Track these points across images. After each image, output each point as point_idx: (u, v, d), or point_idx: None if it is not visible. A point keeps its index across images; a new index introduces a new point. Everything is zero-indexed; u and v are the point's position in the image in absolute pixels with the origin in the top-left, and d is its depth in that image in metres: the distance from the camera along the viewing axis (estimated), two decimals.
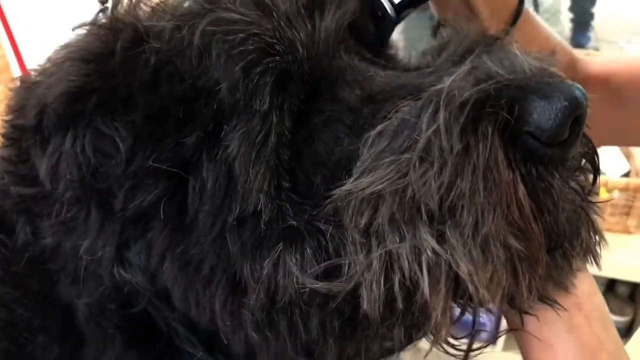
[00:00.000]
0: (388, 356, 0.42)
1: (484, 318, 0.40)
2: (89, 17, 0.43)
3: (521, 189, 0.34)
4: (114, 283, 0.39)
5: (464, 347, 0.41)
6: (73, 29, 0.43)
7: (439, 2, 0.57)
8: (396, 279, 0.34)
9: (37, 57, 0.45)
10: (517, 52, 0.38)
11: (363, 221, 0.34)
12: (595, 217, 0.40)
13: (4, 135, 0.43)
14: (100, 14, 0.43)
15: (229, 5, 0.38)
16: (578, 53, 0.69)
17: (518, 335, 0.43)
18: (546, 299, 0.40)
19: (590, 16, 3.19)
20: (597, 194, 0.42)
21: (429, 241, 0.33)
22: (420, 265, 0.33)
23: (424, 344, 0.40)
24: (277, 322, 0.36)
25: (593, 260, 0.41)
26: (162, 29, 0.38)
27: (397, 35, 0.54)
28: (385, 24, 0.49)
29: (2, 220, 0.42)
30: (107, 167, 0.37)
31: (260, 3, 0.39)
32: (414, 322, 0.36)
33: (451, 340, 0.38)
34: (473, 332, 0.41)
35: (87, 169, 0.37)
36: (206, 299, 0.37)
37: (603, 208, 0.42)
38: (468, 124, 0.33)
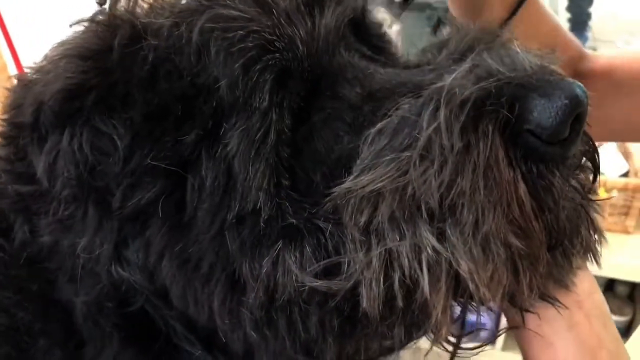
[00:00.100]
0: (388, 354, 0.42)
1: (484, 317, 0.40)
2: (86, 15, 0.43)
3: (522, 187, 0.34)
4: (112, 281, 0.39)
5: (464, 345, 0.41)
6: (70, 26, 0.42)
7: None
8: (396, 277, 0.34)
9: (34, 57, 0.44)
10: (518, 49, 0.37)
11: (363, 219, 0.34)
12: (595, 215, 0.40)
13: (1, 134, 0.43)
14: (98, 12, 0.42)
15: (227, 2, 0.38)
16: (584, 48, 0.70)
17: (518, 333, 0.43)
18: (547, 297, 0.40)
19: (588, 16, 3.18)
20: (597, 192, 0.42)
21: (429, 239, 0.33)
22: (420, 264, 0.33)
23: (424, 343, 0.39)
24: (276, 320, 0.36)
25: (593, 259, 0.41)
26: (160, 26, 0.38)
27: (396, 33, 0.53)
28: None
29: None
30: (105, 165, 0.37)
31: (259, 0, 0.38)
32: (414, 320, 0.36)
33: (451, 339, 0.38)
34: (472, 330, 0.41)
35: (84, 166, 0.37)
36: (205, 297, 0.37)
37: (602, 210, 0.42)
38: (469, 122, 0.33)
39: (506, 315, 0.44)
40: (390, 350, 0.41)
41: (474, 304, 0.38)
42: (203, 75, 0.36)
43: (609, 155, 1.74)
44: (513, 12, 0.58)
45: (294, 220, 0.36)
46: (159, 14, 0.40)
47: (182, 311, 0.39)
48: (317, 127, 0.40)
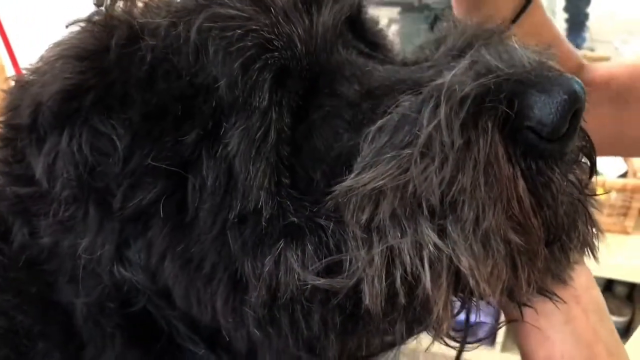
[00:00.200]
0: (389, 350, 0.42)
1: (484, 315, 0.40)
2: (82, 16, 0.42)
3: (521, 184, 0.34)
4: (114, 282, 0.39)
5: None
6: (66, 26, 0.42)
7: None
8: (398, 274, 0.34)
9: (31, 58, 0.44)
10: (516, 45, 0.38)
11: (364, 217, 0.34)
12: (592, 210, 0.41)
13: None
14: (94, 12, 0.42)
15: (225, 1, 0.38)
16: (583, 59, 0.70)
17: (516, 327, 0.44)
18: (544, 292, 0.41)
19: (585, 16, 3.18)
20: (594, 188, 0.43)
21: (431, 236, 0.33)
22: (421, 260, 0.34)
23: (422, 344, 0.40)
24: (279, 318, 0.36)
25: (590, 253, 0.41)
26: (158, 25, 0.38)
27: (394, 33, 0.53)
28: None
29: None
30: (105, 166, 0.37)
31: None
32: (415, 316, 0.36)
33: (454, 337, 0.39)
34: (472, 325, 0.41)
35: (84, 167, 0.37)
36: (207, 296, 0.37)
37: (600, 209, 0.42)
38: (468, 119, 0.33)
39: (504, 310, 0.45)
40: (392, 345, 0.41)
41: (473, 299, 0.38)
42: (202, 75, 0.36)
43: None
44: (518, 15, 0.58)
45: (295, 219, 0.36)
46: (155, 14, 0.40)
47: (184, 311, 0.39)
48: (316, 125, 0.40)
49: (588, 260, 0.43)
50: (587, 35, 3.20)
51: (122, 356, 0.41)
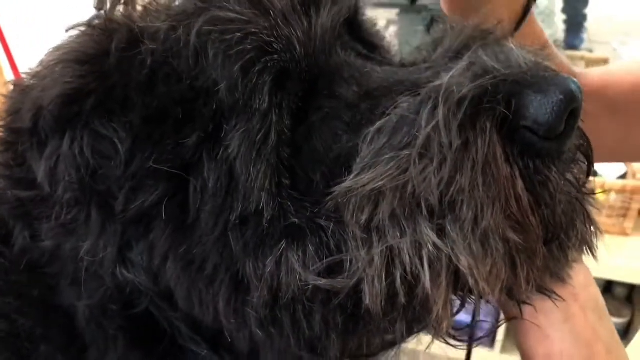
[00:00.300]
0: (389, 349, 0.42)
1: (484, 312, 0.41)
2: (82, 19, 0.43)
3: (519, 183, 0.34)
4: (116, 284, 0.39)
5: (462, 339, 0.42)
6: (66, 31, 0.42)
7: None
8: (398, 273, 0.34)
9: (31, 58, 0.44)
10: (512, 46, 0.38)
11: (364, 217, 0.35)
12: (590, 209, 0.41)
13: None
14: (94, 16, 0.42)
15: (223, 4, 0.38)
16: (575, 67, 0.70)
17: (515, 325, 0.44)
18: (543, 290, 0.41)
19: (583, 17, 3.19)
20: (592, 186, 0.43)
21: (430, 236, 0.33)
22: (421, 260, 0.34)
23: (421, 344, 0.40)
24: (281, 319, 0.37)
25: (589, 251, 0.42)
26: (158, 29, 0.38)
27: (393, 34, 0.54)
28: None
29: None
30: (107, 169, 0.37)
31: (255, 1, 0.39)
32: (415, 315, 0.36)
33: (452, 333, 0.39)
34: (473, 323, 0.42)
35: (86, 170, 0.37)
36: (210, 297, 0.38)
37: (600, 210, 0.43)
38: (466, 120, 0.33)
39: (504, 308, 0.45)
40: (392, 344, 0.42)
41: (473, 298, 0.38)
42: (202, 78, 0.37)
43: None
44: (519, 23, 0.58)
45: (296, 220, 0.36)
46: (155, 18, 0.40)
47: (187, 312, 0.39)
48: (316, 127, 0.40)
49: (587, 260, 0.43)
50: (585, 36, 3.21)
51: (124, 358, 0.41)
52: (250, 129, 0.36)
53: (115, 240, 0.38)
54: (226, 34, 0.37)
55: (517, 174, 0.35)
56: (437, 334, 0.38)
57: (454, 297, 0.36)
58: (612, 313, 1.85)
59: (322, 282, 0.35)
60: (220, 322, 0.38)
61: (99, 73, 0.38)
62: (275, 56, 0.37)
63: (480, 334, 0.45)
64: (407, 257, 0.34)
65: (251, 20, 0.37)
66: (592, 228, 0.41)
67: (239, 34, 0.37)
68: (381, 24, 0.53)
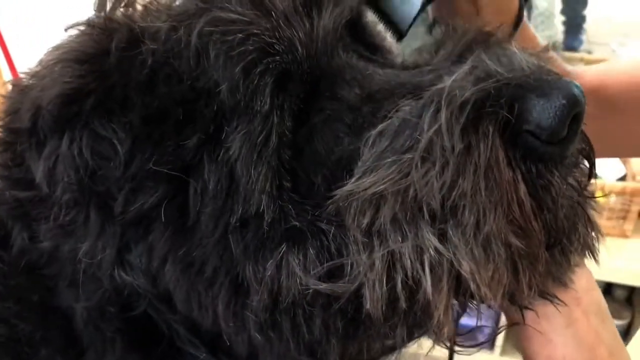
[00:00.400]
0: (390, 353, 0.42)
1: (484, 317, 0.40)
2: (81, 19, 0.42)
3: (522, 188, 0.34)
4: (114, 286, 0.39)
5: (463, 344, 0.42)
6: (65, 30, 0.42)
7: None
8: (399, 278, 0.34)
9: (31, 58, 0.44)
10: (515, 49, 0.38)
11: (365, 221, 0.34)
12: (592, 212, 0.41)
13: None
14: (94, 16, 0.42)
15: (225, 4, 0.38)
16: (570, 66, 0.69)
17: (518, 330, 0.44)
18: (545, 295, 0.41)
19: (582, 19, 3.19)
20: (593, 189, 0.43)
21: (431, 240, 0.33)
22: (422, 264, 0.34)
23: (422, 349, 0.40)
24: (281, 322, 0.37)
25: (591, 255, 0.41)
26: (158, 29, 0.38)
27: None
28: (411, 4, 0.48)
29: None
30: (106, 170, 0.37)
31: (257, 1, 0.38)
32: (416, 320, 0.36)
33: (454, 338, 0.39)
34: (472, 329, 0.42)
35: (85, 171, 0.37)
36: (209, 300, 0.37)
37: (600, 212, 0.42)
38: (469, 124, 0.33)
39: (506, 313, 0.45)
40: (392, 349, 0.42)
41: (474, 303, 0.38)
42: (203, 79, 0.36)
43: (606, 159, 1.75)
44: (514, 29, 0.58)
45: (297, 223, 0.36)
46: (156, 17, 0.40)
47: (185, 315, 0.39)
48: (317, 129, 0.40)
49: (588, 263, 0.43)
50: (584, 38, 3.21)
51: None
52: (251, 130, 0.36)
53: (114, 242, 0.37)
54: (228, 34, 0.36)
55: (520, 178, 0.34)
56: (438, 339, 0.38)
57: (455, 302, 0.36)
58: (612, 315, 1.83)
59: (322, 286, 0.35)
60: (219, 325, 0.38)
61: (99, 73, 0.38)
62: (277, 57, 0.37)
63: (481, 338, 0.45)
64: (409, 261, 0.34)
65: (253, 21, 0.37)
66: (594, 232, 0.41)
67: (240, 35, 0.36)
68: (383, 25, 0.53)
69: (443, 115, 0.33)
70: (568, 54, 2.54)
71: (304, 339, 0.37)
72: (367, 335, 0.38)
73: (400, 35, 0.48)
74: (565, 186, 0.37)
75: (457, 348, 0.42)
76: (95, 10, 0.41)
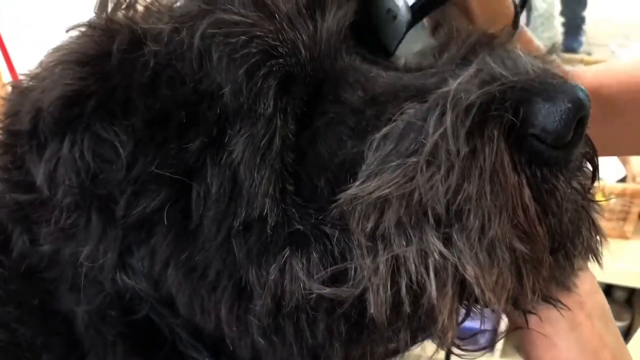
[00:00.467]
0: (393, 357, 0.42)
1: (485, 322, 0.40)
2: (82, 20, 0.42)
3: (527, 192, 0.34)
4: (116, 289, 0.39)
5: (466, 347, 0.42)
6: (66, 31, 0.42)
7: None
8: (403, 282, 0.34)
9: (31, 58, 0.44)
10: (520, 52, 0.38)
11: (369, 225, 0.34)
12: (595, 215, 0.41)
13: None
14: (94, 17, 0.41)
15: (228, 6, 0.38)
16: (569, 67, 0.69)
17: (521, 334, 0.44)
18: (549, 299, 0.41)
19: (582, 20, 3.19)
20: (595, 192, 0.43)
21: (436, 244, 0.33)
22: (427, 269, 0.33)
23: (425, 352, 0.40)
24: (284, 327, 0.36)
25: (594, 259, 0.41)
26: (161, 31, 0.38)
27: None
28: (397, 24, 0.48)
29: None
30: (108, 173, 0.36)
31: (260, 3, 0.38)
32: (420, 324, 0.36)
33: (457, 342, 0.39)
34: (475, 333, 0.41)
35: (86, 174, 0.36)
36: (212, 305, 0.37)
37: (600, 214, 0.42)
38: (474, 127, 0.33)
39: (509, 317, 0.45)
40: (395, 352, 0.41)
41: (478, 307, 0.38)
42: (206, 82, 0.36)
43: (606, 160, 1.75)
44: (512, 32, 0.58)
45: (300, 227, 0.36)
46: (157, 19, 0.39)
47: (188, 319, 0.39)
48: (320, 132, 0.40)
49: (591, 266, 0.43)
50: (583, 39, 3.21)
51: None
52: (254, 133, 0.35)
53: (115, 246, 0.37)
54: (231, 36, 0.36)
55: (525, 182, 0.34)
56: (442, 343, 0.38)
57: (459, 306, 0.36)
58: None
59: (326, 290, 0.34)
60: (222, 330, 0.38)
61: (100, 74, 0.37)
62: (281, 60, 0.37)
63: (482, 341, 0.45)
64: (413, 265, 0.33)
65: (256, 23, 0.37)
66: (598, 235, 0.41)
67: (243, 37, 0.36)
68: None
69: (448, 118, 0.33)
70: (568, 55, 2.54)
71: (307, 343, 0.37)
72: (370, 339, 0.38)
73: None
74: (569, 190, 0.37)
75: (459, 352, 0.42)
76: (96, 12, 0.41)
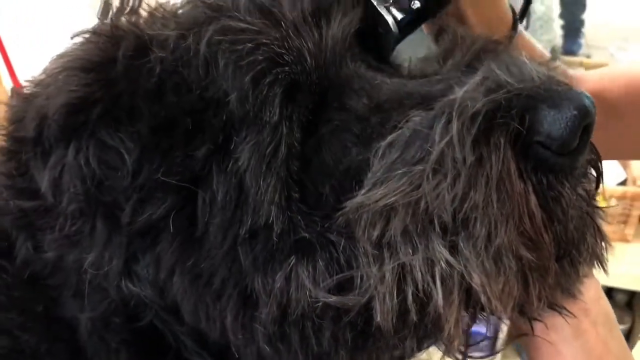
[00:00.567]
0: None
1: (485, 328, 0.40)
2: (83, 23, 0.42)
3: (533, 200, 0.34)
4: (121, 296, 0.39)
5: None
6: (71, 38, 0.42)
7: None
8: (409, 291, 0.34)
9: (30, 58, 0.43)
10: (525, 59, 0.38)
11: (375, 233, 0.34)
12: (600, 221, 0.41)
13: (1, 149, 0.42)
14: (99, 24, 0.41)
15: (234, 13, 0.38)
16: (571, 71, 0.69)
17: (526, 341, 0.44)
18: (554, 306, 0.41)
19: (581, 23, 3.20)
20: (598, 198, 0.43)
21: (442, 253, 0.33)
22: (433, 277, 0.33)
23: (431, 358, 0.40)
24: (289, 335, 0.36)
25: (599, 265, 0.41)
26: (167, 37, 0.38)
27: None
28: (387, 39, 0.48)
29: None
30: (113, 180, 0.36)
31: (266, 11, 0.38)
32: (426, 332, 0.36)
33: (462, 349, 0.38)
34: (481, 340, 0.41)
35: (91, 181, 0.36)
36: (217, 312, 0.37)
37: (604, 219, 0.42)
38: (480, 135, 0.33)
39: (514, 324, 0.45)
40: (401, 359, 0.41)
41: (484, 314, 0.38)
42: (212, 89, 0.36)
43: (607, 163, 1.74)
44: (510, 37, 0.58)
45: (306, 234, 0.36)
46: (163, 25, 0.39)
47: (193, 326, 0.39)
48: (326, 140, 0.40)
49: (596, 270, 0.43)
50: (583, 42, 3.22)
51: None
52: (260, 141, 0.35)
53: (121, 253, 0.37)
54: (237, 44, 0.36)
55: (531, 189, 0.34)
56: (448, 351, 0.38)
57: (465, 314, 0.36)
58: None
59: (332, 299, 0.34)
60: (227, 337, 0.38)
61: (105, 81, 0.37)
62: (286, 68, 0.37)
63: (484, 346, 0.45)
64: (419, 274, 0.33)
65: (262, 30, 0.37)
66: (603, 242, 0.41)
67: (249, 45, 0.36)
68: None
69: (454, 126, 0.33)
70: (567, 58, 2.55)
71: (313, 351, 0.37)
72: (376, 347, 0.38)
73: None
74: (575, 197, 0.37)
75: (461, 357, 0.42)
76: (98, 17, 0.41)
